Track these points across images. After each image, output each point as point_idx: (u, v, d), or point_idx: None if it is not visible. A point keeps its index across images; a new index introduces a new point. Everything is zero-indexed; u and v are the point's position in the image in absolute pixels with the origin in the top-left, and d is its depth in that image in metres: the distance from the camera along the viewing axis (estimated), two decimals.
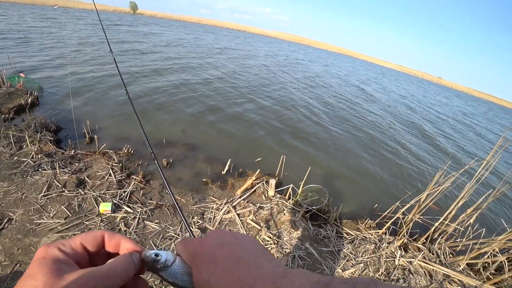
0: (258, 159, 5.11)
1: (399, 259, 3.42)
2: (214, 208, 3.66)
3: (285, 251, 3.13)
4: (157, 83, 8.57)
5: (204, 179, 4.26)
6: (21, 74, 5.83)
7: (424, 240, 3.91)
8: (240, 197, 3.89)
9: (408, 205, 3.84)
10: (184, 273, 0.41)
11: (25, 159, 3.86)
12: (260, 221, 3.53)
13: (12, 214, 3.06)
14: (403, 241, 3.69)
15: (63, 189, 3.51)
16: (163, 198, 3.79)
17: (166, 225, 3.31)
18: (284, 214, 3.68)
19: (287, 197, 4.15)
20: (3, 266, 2.47)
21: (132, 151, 4.58)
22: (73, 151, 4.24)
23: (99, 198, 3.48)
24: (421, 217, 3.88)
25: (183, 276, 0.41)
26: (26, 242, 2.76)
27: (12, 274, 2.42)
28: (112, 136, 4.97)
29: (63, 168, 3.86)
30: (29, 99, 5.33)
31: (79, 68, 8.50)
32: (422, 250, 3.67)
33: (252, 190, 4.10)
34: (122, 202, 3.48)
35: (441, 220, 3.79)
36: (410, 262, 3.43)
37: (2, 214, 3.05)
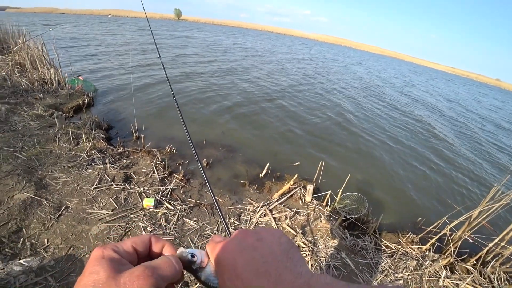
0: (296, 163, 5.04)
1: (443, 280, 3.12)
2: (250, 210, 3.67)
3: (320, 259, 3.03)
4: (199, 85, 8.92)
5: (242, 181, 4.30)
6: (80, 77, 6.44)
7: (475, 262, 3.53)
8: (277, 200, 3.86)
9: (456, 221, 3.50)
10: (216, 277, 0.42)
11: (80, 154, 4.21)
12: (296, 226, 3.47)
13: (69, 203, 3.35)
14: (449, 261, 3.36)
15: (112, 183, 3.77)
16: (202, 197, 3.88)
17: (204, 224, 3.39)
18: (321, 221, 3.57)
19: (324, 203, 4.03)
20: (60, 248, 2.70)
21: (174, 151, 4.78)
22: (121, 148, 4.54)
23: (143, 194, 3.68)
24: (471, 235, 3.52)
25: (215, 279, 0.42)
26: (79, 229, 3.00)
27: (67, 256, 2.64)
28: (156, 135, 5.24)
29: (112, 164, 4.14)
30: (86, 100, 5.85)
31: (131, 71, 9.14)
32: (472, 273, 3.31)
33: (289, 194, 4.05)
34: (163, 198, 3.64)
35: (496, 241, 3.39)
36: (457, 285, 3.11)
37: (61, 202, 3.35)
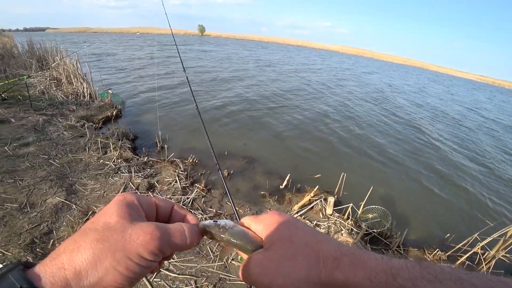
0: (317, 175, 4.97)
1: None
2: None
3: None
4: (222, 98, 9.14)
5: (262, 192, 4.30)
6: (109, 91, 6.83)
7: None
8: (297, 212, 3.82)
9: (489, 239, 3.28)
10: (247, 234, 0.44)
11: (108, 163, 4.41)
12: None
13: (95, 208, 3.49)
14: None
15: (136, 191, 3.90)
16: (222, 207, 3.91)
17: None
18: (342, 235, 3.48)
19: (345, 216, 3.92)
20: None
21: (196, 161, 4.89)
22: (146, 158, 4.71)
23: None
24: (506, 255, 3.28)
25: (247, 237, 0.43)
26: None
27: None
28: (179, 146, 5.40)
29: (137, 173, 4.29)
30: (114, 112, 6.17)
31: (157, 85, 9.55)
32: None
33: (310, 206, 3.99)
34: (185, 207, 3.70)
35: None
36: None
37: (88, 207, 3.50)
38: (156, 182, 4.17)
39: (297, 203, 4.04)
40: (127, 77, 10.49)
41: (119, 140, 5.05)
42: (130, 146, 5.01)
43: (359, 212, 3.89)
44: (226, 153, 5.34)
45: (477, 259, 3.35)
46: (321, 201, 4.05)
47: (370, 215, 3.94)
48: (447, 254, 3.59)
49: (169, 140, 5.56)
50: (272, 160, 5.34)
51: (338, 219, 3.83)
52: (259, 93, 10.62)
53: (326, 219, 3.84)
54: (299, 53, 49.75)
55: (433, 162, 6.51)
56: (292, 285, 0.34)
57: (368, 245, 3.54)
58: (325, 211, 3.93)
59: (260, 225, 0.44)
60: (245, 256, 0.44)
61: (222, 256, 3.07)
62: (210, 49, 33.43)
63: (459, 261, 3.35)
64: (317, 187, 4.07)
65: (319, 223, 3.70)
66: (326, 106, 10.22)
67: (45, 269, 0.30)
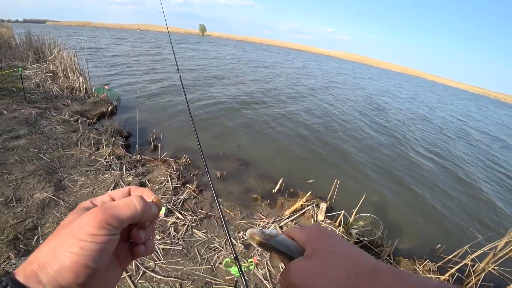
0: (311, 180, 4.94)
1: None
2: (260, 225, 3.61)
3: None
4: (219, 99, 9.10)
5: (254, 195, 4.26)
6: (105, 86, 6.76)
7: None
8: (288, 217, 3.78)
9: (480, 251, 3.26)
10: (290, 243, 0.47)
11: (99, 159, 4.35)
12: None
13: None
14: None
15: None
16: (213, 209, 3.86)
17: (212, 236, 3.35)
18: None
19: (337, 223, 3.90)
20: None
21: (189, 161, 4.84)
22: (138, 156, 4.65)
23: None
24: (496, 267, 3.27)
25: (290, 245, 0.47)
26: None
27: None
28: (174, 145, 5.35)
29: (129, 170, 4.24)
30: (109, 108, 6.10)
31: (152, 83, 9.52)
32: None
33: (302, 212, 3.96)
34: (175, 208, 3.65)
35: None
36: None
37: (76, 204, 3.42)
38: (148, 181, 4.12)
39: (289, 208, 4.01)
40: (124, 73, 10.39)
41: (112, 137, 4.99)
42: (123, 143, 4.95)
43: (351, 220, 3.86)
44: (220, 154, 5.30)
45: (467, 271, 3.34)
46: (313, 206, 4.02)
47: (362, 223, 3.91)
48: (437, 265, 3.57)
49: (163, 139, 5.51)
50: (266, 163, 5.31)
51: (329, 226, 3.80)
52: (250, 95, 10.57)
53: (318, 224, 3.81)
54: (296, 56, 49.81)
55: (424, 173, 6.50)
56: None
57: None
58: (316, 217, 3.90)
59: (304, 235, 0.47)
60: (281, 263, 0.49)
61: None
62: (204, 48, 33.49)
63: (449, 273, 3.34)
64: (310, 192, 4.04)
65: None
66: (329, 113, 10.21)
67: (19, 267, 0.35)
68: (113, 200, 0.44)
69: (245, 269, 1.91)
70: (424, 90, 35.67)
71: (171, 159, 4.74)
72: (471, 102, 36.22)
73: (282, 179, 4.41)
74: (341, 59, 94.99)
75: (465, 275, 3.38)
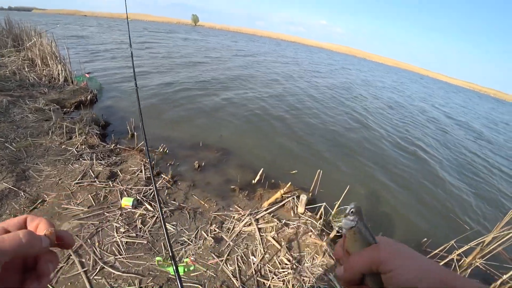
0: (294, 171, 4.72)
1: None
2: (235, 218, 3.39)
3: (303, 279, 2.69)
4: (205, 86, 8.82)
5: (232, 186, 4.04)
6: (86, 75, 6.49)
7: None
8: (266, 210, 3.56)
9: (467, 247, 3.04)
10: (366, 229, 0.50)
11: (70, 148, 4.12)
12: (282, 239, 3.14)
13: (46, 196, 3.22)
14: None
15: (95, 179, 3.62)
16: (187, 200, 3.65)
17: (182, 229, 3.14)
18: (311, 236, 3.23)
19: (318, 216, 3.68)
20: None
21: (167, 151, 4.61)
22: (112, 145, 4.42)
23: (125, 192, 3.49)
24: (483, 262, 3.06)
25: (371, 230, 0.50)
26: None
27: None
28: (154, 135, 5.10)
29: (100, 160, 4.01)
30: (88, 96, 5.84)
31: (139, 71, 9.20)
32: None
33: (281, 204, 3.73)
34: (145, 199, 3.44)
35: None
36: None
37: (38, 195, 3.22)
38: (119, 171, 3.89)
39: (268, 199, 3.79)
40: (107, 61, 10.02)
41: (87, 125, 4.74)
42: (98, 132, 4.71)
43: (333, 212, 3.64)
44: (200, 144, 5.05)
45: (453, 266, 3.12)
46: (293, 198, 3.80)
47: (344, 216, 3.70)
48: None
49: (140, 129, 5.24)
50: (248, 153, 5.07)
51: (309, 219, 3.58)
52: (235, 83, 10.27)
53: (297, 218, 3.59)
54: (286, 47, 49.18)
55: (412, 164, 6.26)
56: (420, 268, 0.40)
57: None
58: (296, 209, 3.68)
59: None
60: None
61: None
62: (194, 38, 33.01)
63: None
64: (290, 183, 3.82)
65: (288, 222, 3.45)
66: (318, 103, 9.94)
67: None
68: (7, 230, 0.45)
69: (185, 270, 1.70)
70: (411, 82, 35.35)
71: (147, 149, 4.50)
72: (457, 94, 36.09)
73: (262, 169, 4.18)
74: (334, 51, 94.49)
75: (451, 268, 3.16)
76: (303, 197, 3.54)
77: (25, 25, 7.50)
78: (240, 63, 16.71)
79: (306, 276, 2.73)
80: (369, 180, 5.06)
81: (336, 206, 3.65)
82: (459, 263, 3.12)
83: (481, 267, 3.06)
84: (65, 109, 5.38)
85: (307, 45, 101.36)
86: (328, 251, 3.09)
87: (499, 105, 38.83)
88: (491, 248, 2.91)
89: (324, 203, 3.61)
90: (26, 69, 6.27)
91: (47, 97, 5.56)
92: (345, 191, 3.66)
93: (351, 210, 0.51)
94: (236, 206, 3.62)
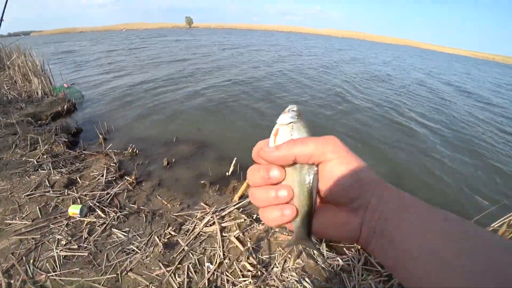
0: None
1: None
2: (198, 217, 2.90)
3: None
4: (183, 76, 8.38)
5: (202, 181, 3.55)
6: (65, 85, 6.32)
7: None
8: (235, 205, 3.03)
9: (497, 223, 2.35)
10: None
11: (32, 160, 3.83)
12: (248, 239, 2.60)
13: None
14: None
15: (49, 189, 3.28)
16: (149, 202, 3.23)
17: (134, 235, 2.70)
18: (284, 232, 2.66)
19: None
20: None
21: (136, 151, 4.22)
22: (77, 151, 4.10)
23: (78, 200, 3.12)
24: None
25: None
26: None
27: None
28: (127, 137, 4.75)
29: (61, 168, 3.68)
30: (65, 106, 5.62)
31: (117, 78, 8.83)
32: None
33: None
34: (98, 205, 3.04)
35: None
36: None
37: None
38: (79, 178, 3.54)
39: (243, 193, 3.27)
40: (92, 70, 9.78)
41: (55, 134, 4.47)
42: (66, 140, 4.41)
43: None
44: (174, 139, 4.61)
45: None
46: None
47: None
48: None
49: (116, 132, 4.92)
50: (227, 144, 4.57)
51: None
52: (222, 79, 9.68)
53: None
54: (279, 37, 47.89)
55: (413, 134, 5.42)
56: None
57: (324, 243, 2.68)
58: None
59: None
60: None
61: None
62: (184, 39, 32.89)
63: None
64: None
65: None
66: (303, 83, 9.21)
67: None
68: None
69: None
70: (410, 56, 33.07)
71: (115, 151, 4.15)
72: (460, 63, 33.29)
73: (235, 158, 3.65)
74: (333, 36, 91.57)
75: None
76: None
77: (6, 45, 7.53)
78: (226, 55, 16.26)
79: (272, 285, 2.16)
80: (364, 153, 4.38)
81: None
82: None
83: None
84: (39, 122, 5.16)
85: (303, 33, 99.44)
86: (307, 249, 2.51)
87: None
88: None
89: None
90: (6, 88, 6.20)
91: (23, 111, 5.38)
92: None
93: (292, 109, 0.45)
94: (202, 204, 3.13)
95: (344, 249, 2.69)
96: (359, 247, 2.65)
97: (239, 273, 2.26)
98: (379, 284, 2.33)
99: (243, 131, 5.09)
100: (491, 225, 2.36)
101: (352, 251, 2.62)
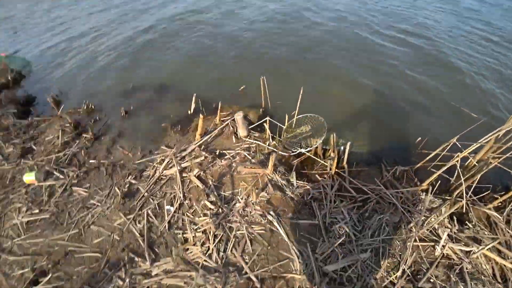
0: (242, 87, 3.86)
1: (444, 245, 2.04)
2: (158, 162, 2.78)
3: (229, 227, 2.08)
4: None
5: (163, 125, 3.36)
6: (1, 54, 5.66)
7: (500, 203, 2.33)
8: (197, 143, 2.89)
9: (475, 146, 2.15)
10: None
11: None
12: (210, 177, 2.51)
13: None
14: (460, 206, 2.14)
15: (4, 162, 3.11)
16: (110, 155, 3.09)
17: (95, 189, 2.62)
18: (248, 166, 2.54)
19: (266, 136, 2.94)
20: None
21: (93, 107, 3.92)
22: (29, 119, 3.82)
23: (35, 167, 2.97)
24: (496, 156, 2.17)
25: None
26: None
27: None
28: (81, 94, 4.34)
29: (14, 140, 3.44)
30: (9, 77, 5.09)
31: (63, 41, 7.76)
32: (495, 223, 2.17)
33: (217, 130, 3.04)
34: (56, 167, 2.89)
35: None
36: (467, 254, 2.02)
37: None
38: (34, 145, 3.33)
39: (206, 129, 3.11)
40: (35, 34, 8.48)
41: (2, 107, 4.12)
42: (15, 111, 4.07)
43: (285, 127, 2.88)
44: (131, 87, 4.25)
45: (456, 173, 2.28)
46: (233, 121, 3.07)
47: (304, 129, 2.94)
48: (415, 167, 2.62)
49: (70, 91, 4.51)
50: (189, 81, 4.23)
51: (256, 141, 2.88)
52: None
53: (241, 143, 2.90)
54: None
55: (388, 52, 4.83)
56: None
57: (294, 172, 2.56)
58: (239, 133, 2.97)
59: None
60: None
61: None
62: None
63: (431, 179, 2.35)
64: (219, 103, 3.05)
65: (224, 151, 2.78)
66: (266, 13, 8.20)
67: None
68: None
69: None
70: None
71: (70, 111, 3.87)
72: None
73: (194, 95, 3.38)
74: None
75: (454, 178, 2.36)
76: (238, 116, 2.79)
77: None
78: None
79: (234, 221, 2.12)
80: (338, 81, 4.05)
81: (286, 120, 2.87)
82: (466, 165, 2.32)
83: (499, 165, 2.14)
84: None
85: None
86: (274, 180, 2.42)
87: None
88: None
89: (268, 118, 2.85)
90: None
91: None
92: (300, 96, 2.77)
93: None
94: (163, 147, 2.98)
95: (317, 176, 2.62)
96: (333, 172, 2.56)
97: (200, 212, 2.21)
98: (352, 210, 2.30)
99: (205, 65, 4.63)
100: (479, 141, 2.17)
101: (325, 178, 2.55)
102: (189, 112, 3.50)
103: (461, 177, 2.14)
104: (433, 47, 4.77)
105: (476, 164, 2.31)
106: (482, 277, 1.95)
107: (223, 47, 5.17)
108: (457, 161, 2.20)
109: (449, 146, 2.35)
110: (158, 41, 5.77)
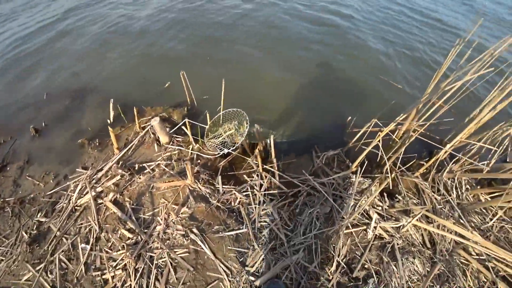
0: (167, 84, 3.50)
1: (375, 226, 2.08)
2: (71, 189, 2.47)
3: (149, 256, 1.92)
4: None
5: (79, 141, 2.96)
6: None
7: (425, 170, 2.41)
8: (115, 159, 2.59)
9: (403, 116, 2.08)
10: None
11: None
12: (128, 199, 2.28)
13: None
14: (387, 183, 2.16)
15: None
16: (18, 188, 2.68)
17: (0, 238, 2.27)
18: (166, 178, 2.34)
19: (188, 140, 2.71)
20: None
21: None
22: None
23: None
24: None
25: None
26: None
27: None
28: None
29: None
30: None
31: None
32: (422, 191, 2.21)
33: (137, 140, 2.75)
34: None
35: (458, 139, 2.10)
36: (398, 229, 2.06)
37: None
38: None
39: (127, 139, 2.80)
40: None
41: None
42: None
43: (207, 126, 2.65)
44: (45, 96, 3.63)
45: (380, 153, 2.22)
46: (151, 127, 2.78)
47: (227, 126, 2.73)
48: (346, 148, 2.58)
49: None
50: (113, 84, 3.69)
51: (178, 146, 2.65)
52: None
53: (163, 151, 2.65)
54: None
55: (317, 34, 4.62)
56: None
57: (219, 177, 2.40)
58: (158, 140, 2.70)
59: None
60: None
61: None
62: None
63: (359, 160, 2.30)
64: (135, 108, 2.71)
65: (144, 164, 2.53)
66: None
67: None
68: None
69: None
70: None
71: None
72: None
73: (111, 101, 2.97)
74: None
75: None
76: (154, 122, 2.50)
77: None
78: None
79: (156, 248, 1.96)
80: (257, 68, 3.80)
81: (208, 116, 2.63)
82: (395, 135, 2.30)
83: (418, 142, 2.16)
84: None
85: None
86: (196, 190, 2.24)
87: None
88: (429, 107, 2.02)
89: (186, 119, 2.59)
90: None
91: None
92: (223, 89, 2.50)
93: None
94: (79, 169, 2.65)
95: (245, 176, 2.48)
96: (261, 169, 2.42)
97: (118, 245, 2.02)
98: (283, 208, 2.22)
99: (123, 64, 4.06)
100: (401, 114, 2.12)
101: (253, 177, 2.41)
102: (108, 121, 3.10)
103: (384, 155, 2.12)
104: (354, 26, 4.65)
105: (398, 140, 2.35)
106: (413, 248, 2.04)
107: (133, 42, 4.55)
108: (379, 140, 2.16)
109: (371, 124, 2.30)
110: (62, 40, 4.90)
